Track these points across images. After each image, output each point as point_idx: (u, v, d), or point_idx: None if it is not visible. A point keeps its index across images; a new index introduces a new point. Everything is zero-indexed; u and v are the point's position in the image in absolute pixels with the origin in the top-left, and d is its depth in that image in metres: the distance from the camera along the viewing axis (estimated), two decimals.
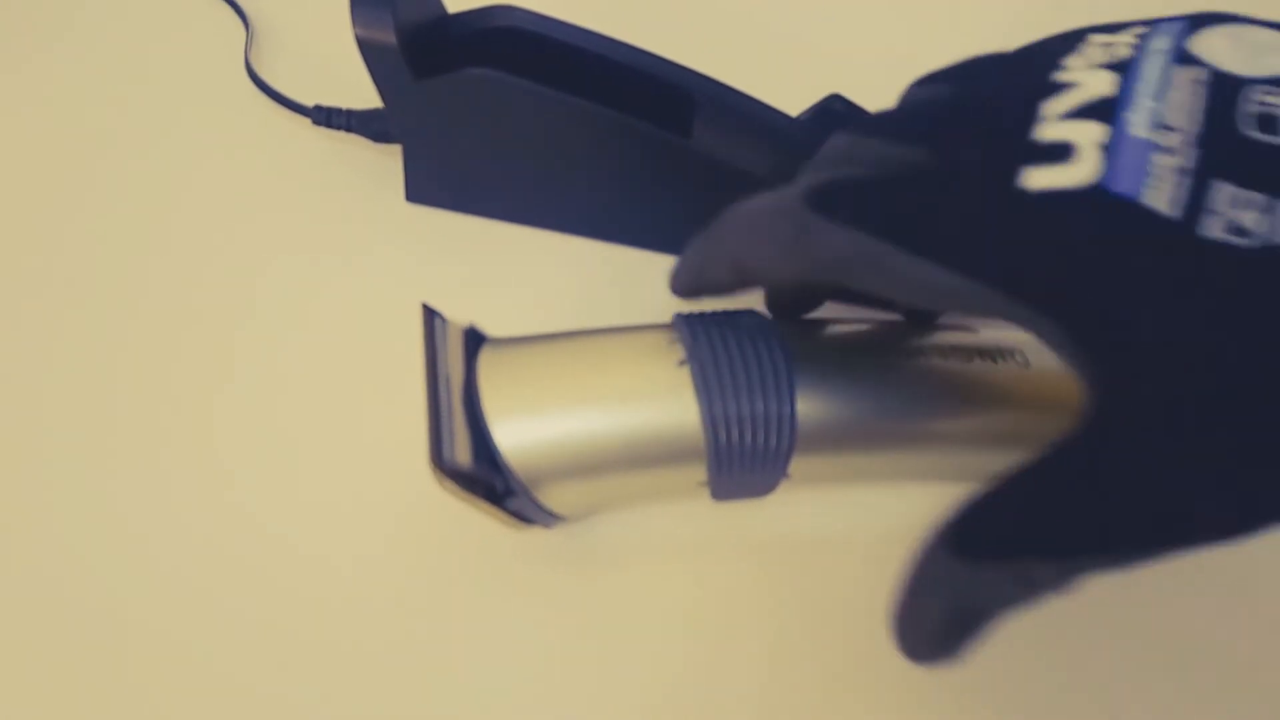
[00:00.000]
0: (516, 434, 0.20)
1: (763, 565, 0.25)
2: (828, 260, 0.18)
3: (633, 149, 0.28)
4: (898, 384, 0.22)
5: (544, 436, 0.21)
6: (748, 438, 0.21)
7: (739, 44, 0.36)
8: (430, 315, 0.22)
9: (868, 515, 0.26)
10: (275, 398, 0.28)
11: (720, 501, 0.23)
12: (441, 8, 0.29)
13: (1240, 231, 0.14)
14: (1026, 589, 0.16)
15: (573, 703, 0.24)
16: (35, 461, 0.27)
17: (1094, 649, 0.24)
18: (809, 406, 0.21)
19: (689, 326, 0.22)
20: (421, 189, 0.32)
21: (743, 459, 0.21)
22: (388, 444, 0.26)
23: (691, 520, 0.26)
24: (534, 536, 0.25)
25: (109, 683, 0.24)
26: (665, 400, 0.21)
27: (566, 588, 0.25)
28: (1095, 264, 0.15)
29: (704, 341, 0.21)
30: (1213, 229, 0.14)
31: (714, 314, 0.22)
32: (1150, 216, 0.14)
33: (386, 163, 0.33)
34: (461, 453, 0.20)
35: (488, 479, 0.20)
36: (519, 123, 0.28)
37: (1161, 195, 0.14)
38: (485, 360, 0.22)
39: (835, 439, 0.21)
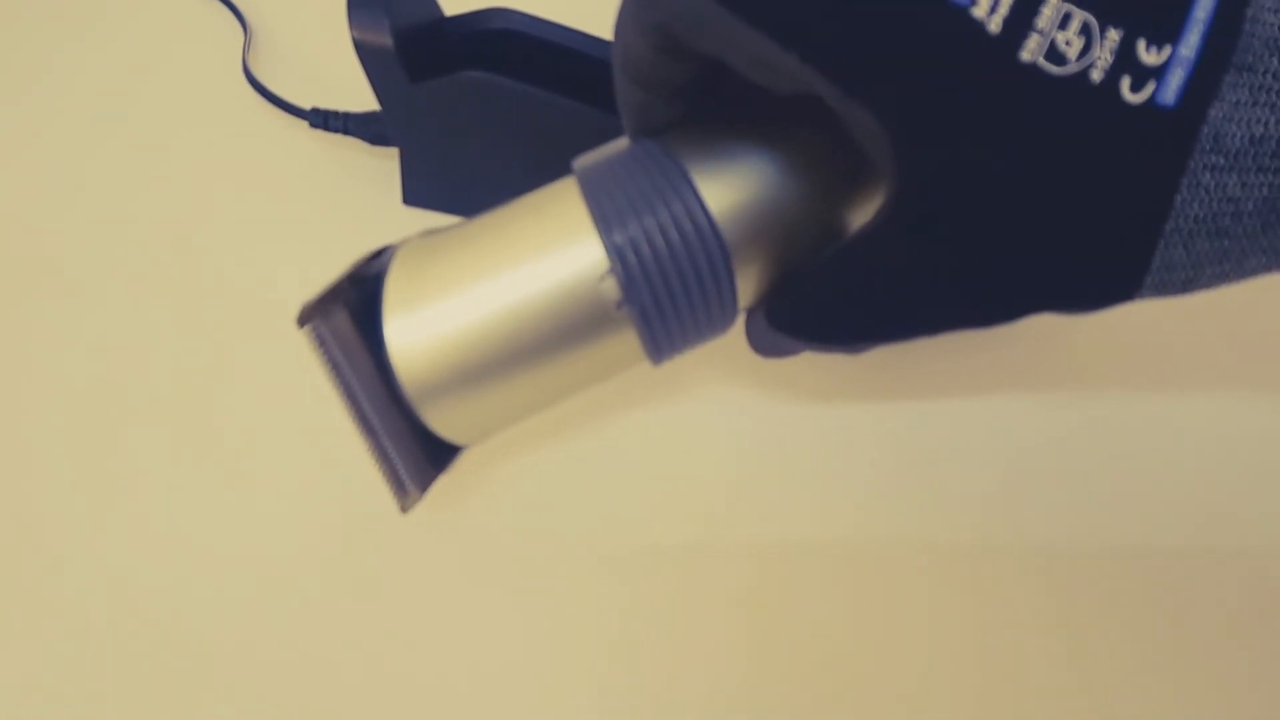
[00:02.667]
0: (406, 336, 0.18)
1: (741, 573, 0.25)
2: (663, 18, 0.17)
3: None
4: (799, 144, 0.19)
5: (437, 333, 0.18)
6: (661, 246, 0.17)
7: None
8: (311, 324, 0.18)
9: (855, 523, 0.26)
10: (271, 399, 0.28)
11: (662, 360, 0.19)
12: (438, 10, 0.29)
13: (1058, 58, 0.14)
14: (819, 349, 0.20)
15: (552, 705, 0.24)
16: (32, 461, 0.27)
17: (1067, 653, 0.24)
18: (718, 192, 0.18)
19: (583, 166, 0.19)
20: (418, 192, 0.32)
21: (667, 279, 0.17)
22: None
23: (672, 525, 0.26)
24: (508, 543, 0.25)
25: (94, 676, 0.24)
26: (569, 248, 0.18)
27: (541, 590, 0.25)
28: (913, 67, 0.15)
29: (592, 172, 0.19)
30: (1031, 51, 0.14)
31: (608, 147, 0.20)
32: (974, 30, 0.14)
33: (383, 166, 0.33)
34: (418, 478, 0.19)
35: (444, 467, 0.19)
36: (515, 125, 0.28)
37: (986, 4, 0.14)
38: (389, 282, 0.19)
39: (766, 224, 0.18)
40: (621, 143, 0.20)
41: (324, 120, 0.32)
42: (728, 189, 0.18)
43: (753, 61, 0.16)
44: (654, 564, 0.25)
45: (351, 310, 0.18)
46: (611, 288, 0.18)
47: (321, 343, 0.18)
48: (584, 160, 0.20)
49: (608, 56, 0.27)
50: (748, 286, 0.19)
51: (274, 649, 0.24)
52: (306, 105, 0.33)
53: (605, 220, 0.18)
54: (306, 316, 0.18)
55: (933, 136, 0.15)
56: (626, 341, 0.19)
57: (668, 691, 0.24)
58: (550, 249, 0.18)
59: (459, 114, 0.28)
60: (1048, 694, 0.24)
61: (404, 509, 0.19)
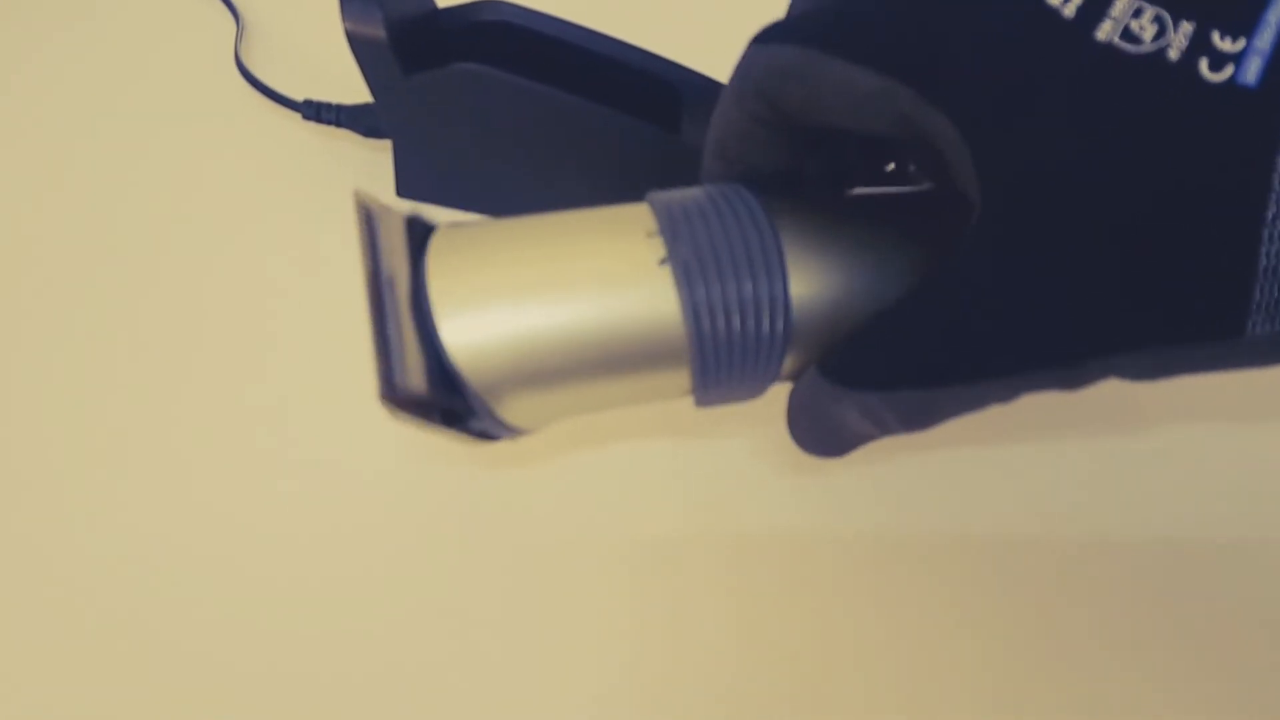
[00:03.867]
0: (468, 333, 0.17)
1: (739, 561, 0.26)
2: (760, 80, 0.18)
3: (622, 144, 0.28)
4: (895, 248, 0.19)
5: (499, 333, 0.18)
6: (735, 324, 0.18)
7: (727, 39, 0.36)
8: (366, 208, 0.18)
9: (852, 512, 0.26)
10: (265, 391, 0.28)
11: (704, 407, 0.20)
12: (431, 3, 0.29)
13: (1133, 39, 0.14)
14: (876, 425, 0.17)
15: (541, 695, 0.24)
16: (32, 462, 0.27)
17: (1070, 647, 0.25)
18: (802, 283, 0.18)
19: (664, 201, 0.19)
20: (411, 184, 0.32)
21: (731, 351, 0.18)
22: (382, 431, 0.27)
23: (669, 515, 0.26)
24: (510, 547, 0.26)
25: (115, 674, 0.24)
26: (639, 283, 0.18)
27: (532, 585, 0.25)
28: (986, 54, 0.15)
29: (680, 216, 0.18)
30: (1106, 32, 0.14)
31: (691, 189, 0.20)
32: (1048, 13, 0.14)
33: (376, 158, 0.33)
34: (414, 377, 0.17)
35: (446, 403, 0.18)
36: (509, 118, 0.28)
37: None
38: (435, 249, 0.18)
39: (831, 320, 0.18)
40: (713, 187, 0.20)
41: (317, 112, 0.32)
42: (813, 281, 0.18)
43: (839, 98, 0.17)
44: (642, 558, 0.26)
45: (408, 227, 0.18)
46: (679, 342, 0.18)
47: (369, 220, 0.18)
48: (667, 193, 0.20)
49: (601, 49, 0.28)
50: (792, 364, 0.19)
51: (268, 640, 0.24)
52: (299, 97, 0.33)
53: (689, 283, 0.18)
54: (364, 196, 0.18)
55: (1010, 124, 0.15)
56: (677, 383, 0.19)
57: (657, 685, 0.24)
58: (626, 286, 0.18)
59: (452, 106, 0.28)
60: (1034, 688, 0.24)
61: (381, 398, 0.17)
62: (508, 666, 0.24)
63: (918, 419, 0.17)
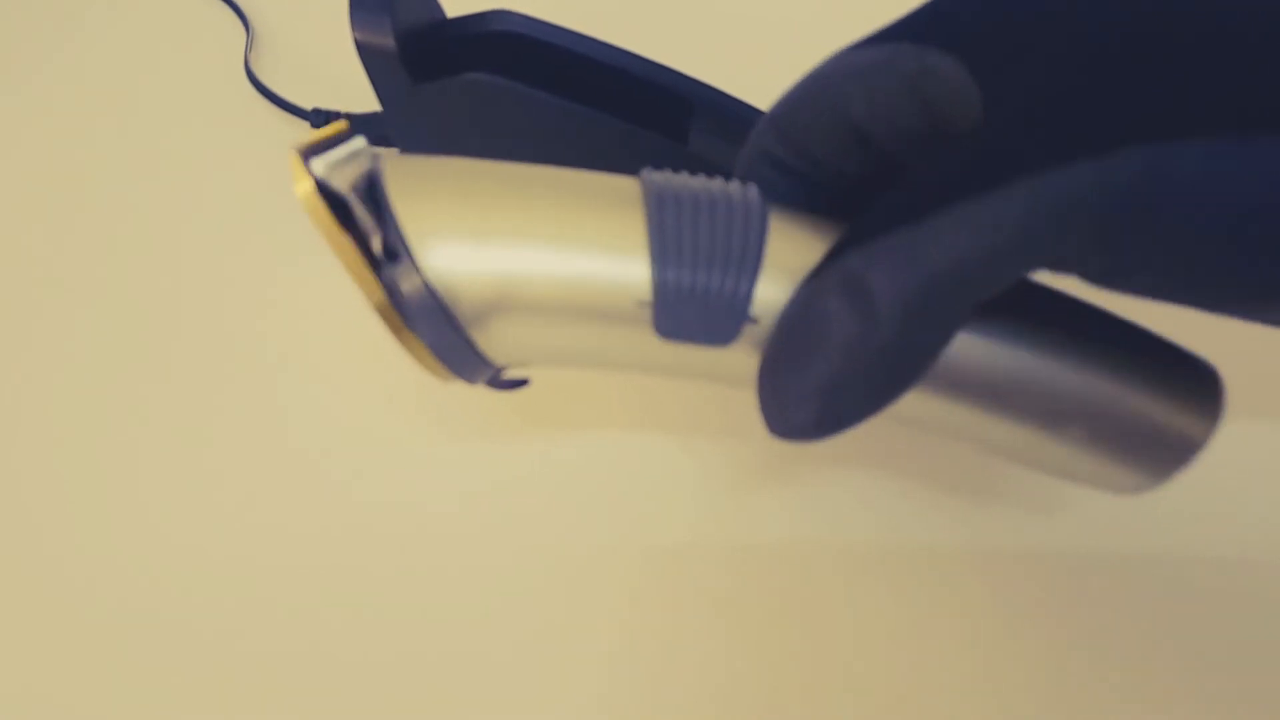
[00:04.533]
0: (440, 250, 0.18)
1: (731, 571, 0.26)
2: (776, 112, 0.19)
3: (629, 154, 0.28)
4: None
5: (471, 259, 0.18)
6: (694, 309, 0.18)
7: (735, 50, 0.36)
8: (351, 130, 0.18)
9: (842, 520, 0.26)
10: (272, 398, 0.28)
11: (668, 342, 0.20)
12: (440, 11, 0.29)
13: None
14: (859, 311, 0.15)
15: (538, 700, 0.24)
16: (43, 466, 0.27)
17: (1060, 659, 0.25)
18: (770, 289, 0.18)
19: (657, 178, 0.20)
20: None
21: (689, 324, 0.19)
22: (385, 435, 0.27)
23: (663, 524, 0.26)
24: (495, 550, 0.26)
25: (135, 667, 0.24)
26: (615, 246, 0.19)
27: (527, 594, 0.25)
28: (996, 6, 0.16)
29: (670, 196, 0.19)
30: None
31: (696, 177, 0.20)
32: None
33: None
34: (342, 180, 0.17)
35: (365, 219, 0.17)
36: (516, 127, 0.28)
37: None
38: (392, 170, 0.18)
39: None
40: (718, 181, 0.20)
41: (325, 121, 0.32)
42: (785, 284, 0.18)
43: (849, 82, 0.17)
44: (635, 567, 0.25)
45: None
46: (644, 298, 0.19)
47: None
48: (659, 175, 0.20)
49: (608, 60, 0.28)
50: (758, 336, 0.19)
51: (268, 645, 0.24)
52: (308, 106, 0.33)
53: (663, 251, 0.18)
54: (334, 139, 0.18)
55: (1014, 52, 0.15)
56: (643, 334, 0.20)
57: (648, 693, 0.24)
58: (605, 247, 0.19)
59: (461, 115, 0.28)
60: (1029, 702, 0.24)
61: (300, 154, 0.17)
62: (500, 671, 0.24)
63: (905, 280, 0.14)
